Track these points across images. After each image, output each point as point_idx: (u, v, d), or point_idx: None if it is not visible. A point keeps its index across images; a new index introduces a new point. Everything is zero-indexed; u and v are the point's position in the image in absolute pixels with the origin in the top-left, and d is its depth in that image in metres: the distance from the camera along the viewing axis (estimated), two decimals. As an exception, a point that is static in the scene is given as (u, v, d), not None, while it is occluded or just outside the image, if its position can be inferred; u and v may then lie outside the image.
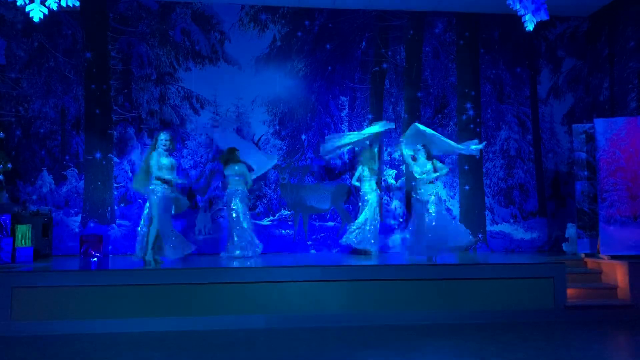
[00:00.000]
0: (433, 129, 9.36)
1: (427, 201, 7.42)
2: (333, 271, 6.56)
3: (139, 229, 6.95)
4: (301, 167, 9.22)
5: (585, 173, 7.89)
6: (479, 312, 6.48)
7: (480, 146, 7.79)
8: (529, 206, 9.52)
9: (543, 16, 6.37)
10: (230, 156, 8.02)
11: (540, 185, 9.57)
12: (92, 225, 8.64)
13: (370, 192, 8.30)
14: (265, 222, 9.03)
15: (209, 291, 6.24)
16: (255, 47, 9.22)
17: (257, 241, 8.00)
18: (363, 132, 8.47)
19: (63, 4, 6.02)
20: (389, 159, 9.37)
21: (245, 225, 7.89)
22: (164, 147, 6.89)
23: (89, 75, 8.88)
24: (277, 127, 9.23)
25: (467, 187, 9.35)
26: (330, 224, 9.17)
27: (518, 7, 6.24)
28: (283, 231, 9.07)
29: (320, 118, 9.29)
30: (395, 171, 9.36)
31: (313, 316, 6.26)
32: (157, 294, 6.17)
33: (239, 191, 7.95)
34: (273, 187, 9.11)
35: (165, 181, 6.79)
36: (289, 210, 9.07)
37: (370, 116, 9.36)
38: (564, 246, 8.31)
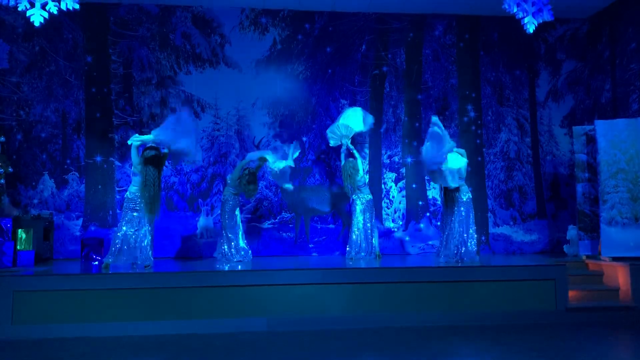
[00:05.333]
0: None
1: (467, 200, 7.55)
2: (334, 274, 6.55)
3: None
4: (302, 169, 9.22)
5: (586, 175, 7.88)
6: (480, 314, 6.47)
7: None
8: (527, 208, 9.52)
9: (546, 17, 6.38)
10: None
11: (539, 187, 9.57)
12: (93, 228, 8.65)
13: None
14: (266, 225, 9.03)
15: (211, 294, 6.24)
16: (255, 50, 9.24)
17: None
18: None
19: (63, 7, 6.06)
20: (388, 161, 9.36)
21: None
22: None
23: (89, 79, 8.90)
24: (278, 130, 9.24)
25: (470, 189, 9.32)
26: (332, 226, 9.17)
27: (515, 10, 6.25)
28: (284, 234, 9.07)
29: (321, 120, 9.29)
30: (394, 174, 9.36)
31: (315, 319, 6.25)
32: (159, 297, 6.16)
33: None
34: (274, 190, 9.11)
35: None
36: (290, 213, 9.07)
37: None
38: (565, 248, 8.30)
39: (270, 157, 8.03)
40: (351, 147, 8.23)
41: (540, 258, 8.31)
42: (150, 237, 7.01)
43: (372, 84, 9.47)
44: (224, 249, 7.76)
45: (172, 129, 6.95)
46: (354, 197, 8.14)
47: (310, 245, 9.07)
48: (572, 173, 9.07)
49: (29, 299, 6.00)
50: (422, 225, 9.28)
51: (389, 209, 9.30)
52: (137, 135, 7.09)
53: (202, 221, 8.93)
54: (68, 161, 8.78)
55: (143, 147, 7.07)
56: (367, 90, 9.45)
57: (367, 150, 9.33)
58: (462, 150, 7.69)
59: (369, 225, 8.13)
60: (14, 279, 6.13)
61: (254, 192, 7.92)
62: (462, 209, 7.45)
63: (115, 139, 8.89)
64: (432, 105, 9.53)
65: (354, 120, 8.14)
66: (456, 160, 7.40)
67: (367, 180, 8.31)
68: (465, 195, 7.51)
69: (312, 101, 9.33)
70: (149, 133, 7.14)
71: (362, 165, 8.26)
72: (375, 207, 8.50)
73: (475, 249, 7.49)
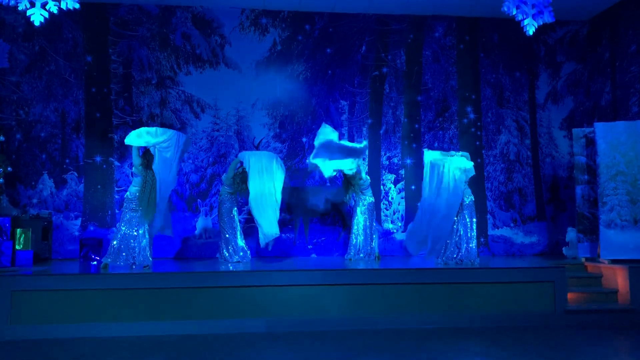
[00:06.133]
0: (434, 133, 9.47)
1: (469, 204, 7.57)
2: (333, 275, 6.55)
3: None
4: (302, 170, 9.22)
5: (586, 177, 7.88)
6: (479, 316, 6.47)
7: None
8: (527, 210, 9.53)
9: (547, 19, 6.37)
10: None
11: (539, 189, 9.58)
12: (92, 228, 8.64)
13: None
14: (266, 225, 9.00)
15: (210, 295, 6.24)
16: (255, 50, 9.24)
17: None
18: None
19: (63, 6, 6.06)
20: (387, 163, 9.36)
21: None
22: None
23: (89, 79, 8.90)
24: (278, 130, 9.23)
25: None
26: (332, 227, 9.16)
27: (514, 12, 6.25)
28: (283, 235, 9.05)
29: (321, 121, 9.21)
30: (394, 175, 9.36)
31: (314, 320, 6.25)
32: (158, 298, 6.16)
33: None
34: (273, 191, 9.08)
35: None
36: (289, 214, 9.06)
37: (369, 120, 9.37)
38: (565, 250, 8.30)
39: (252, 159, 7.70)
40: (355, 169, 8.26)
41: (539, 260, 8.30)
42: (149, 237, 7.02)
43: (371, 85, 9.47)
44: (223, 250, 7.77)
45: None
46: (355, 198, 8.21)
47: (309, 247, 9.06)
48: (571, 175, 9.07)
49: (27, 299, 6.00)
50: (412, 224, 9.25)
51: (388, 210, 9.30)
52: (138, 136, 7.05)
53: (201, 221, 8.92)
54: (67, 161, 8.77)
55: (144, 147, 7.08)
56: (367, 91, 9.45)
57: (366, 152, 9.31)
58: (467, 154, 7.66)
59: (369, 226, 8.17)
60: (13, 278, 6.12)
61: (247, 191, 7.93)
62: (464, 211, 7.44)
63: (115, 139, 8.88)
64: (432, 106, 9.53)
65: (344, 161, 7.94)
66: (462, 163, 7.39)
67: (369, 182, 8.31)
68: (468, 198, 7.51)
69: (312, 102, 9.33)
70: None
71: (364, 168, 8.34)
72: (375, 209, 8.50)
73: (475, 251, 7.49)
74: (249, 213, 8.94)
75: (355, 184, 8.16)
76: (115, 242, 6.88)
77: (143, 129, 7.17)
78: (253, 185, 7.54)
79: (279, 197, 7.67)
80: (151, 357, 5.17)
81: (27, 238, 7.48)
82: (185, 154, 7.94)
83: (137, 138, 6.99)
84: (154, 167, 7.01)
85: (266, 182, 7.59)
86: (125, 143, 7.18)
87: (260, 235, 7.51)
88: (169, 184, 7.28)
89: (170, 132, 7.22)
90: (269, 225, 7.47)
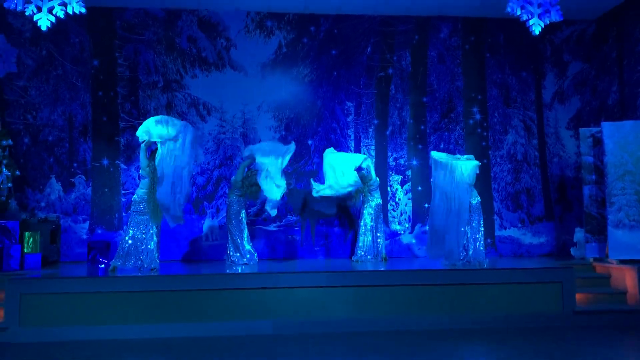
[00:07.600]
0: (440, 134, 9.46)
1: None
2: (340, 277, 6.55)
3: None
4: (308, 172, 9.22)
5: (593, 177, 7.84)
6: (487, 317, 6.45)
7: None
8: (535, 211, 9.48)
9: (554, 17, 6.36)
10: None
11: (546, 189, 9.53)
12: (99, 231, 8.69)
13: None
14: (272, 227, 9.04)
15: (216, 297, 6.25)
16: (261, 53, 9.26)
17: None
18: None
19: (70, 11, 6.11)
20: (394, 164, 9.36)
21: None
22: None
23: (96, 83, 8.95)
24: (284, 133, 9.24)
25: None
26: (338, 229, 9.16)
27: (519, 12, 6.24)
28: (290, 237, 9.07)
29: (327, 123, 9.30)
30: (400, 176, 9.35)
31: (320, 322, 6.26)
32: (165, 301, 6.19)
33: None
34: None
35: None
36: (295, 216, 9.07)
37: (376, 121, 9.37)
38: (573, 251, 8.26)
39: (258, 157, 7.73)
40: (364, 171, 8.29)
41: (547, 261, 8.27)
42: (156, 240, 7.04)
43: (377, 86, 9.47)
44: (230, 252, 7.80)
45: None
46: (363, 199, 8.26)
47: (315, 248, 9.06)
48: (579, 175, 9.02)
49: (36, 301, 6.04)
50: (428, 227, 9.24)
51: (395, 211, 9.28)
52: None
53: (207, 224, 8.95)
54: (75, 164, 8.82)
55: (151, 149, 7.11)
56: (373, 92, 9.45)
57: (372, 153, 9.32)
58: (471, 157, 7.69)
59: (375, 228, 8.19)
60: (22, 281, 6.17)
61: (258, 193, 7.93)
62: (471, 212, 7.42)
63: (122, 142, 8.92)
64: (438, 107, 9.51)
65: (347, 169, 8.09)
66: (466, 165, 7.42)
67: (378, 183, 8.35)
68: (475, 199, 7.50)
69: (317, 104, 9.34)
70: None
71: (373, 169, 8.37)
72: (382, 210, 8.51)
73: (483, 252, 7.47)
74: (257, 215, 8.98)
75: (365, 186, 8.22)
76: (124, 245, 6.91)
77: (150, 121, 7.13)
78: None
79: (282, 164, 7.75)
80: (159, 359, 5.20)
81: (35, 241, 7.53)
82: (201, 149, 7.93)
83: (147, 133, 6.96)
84: (169, 158, 6.90)
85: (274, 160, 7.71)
86: (138, 136, 7.08)
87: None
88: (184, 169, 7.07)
89: (179, 123, 7.18)
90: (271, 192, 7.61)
